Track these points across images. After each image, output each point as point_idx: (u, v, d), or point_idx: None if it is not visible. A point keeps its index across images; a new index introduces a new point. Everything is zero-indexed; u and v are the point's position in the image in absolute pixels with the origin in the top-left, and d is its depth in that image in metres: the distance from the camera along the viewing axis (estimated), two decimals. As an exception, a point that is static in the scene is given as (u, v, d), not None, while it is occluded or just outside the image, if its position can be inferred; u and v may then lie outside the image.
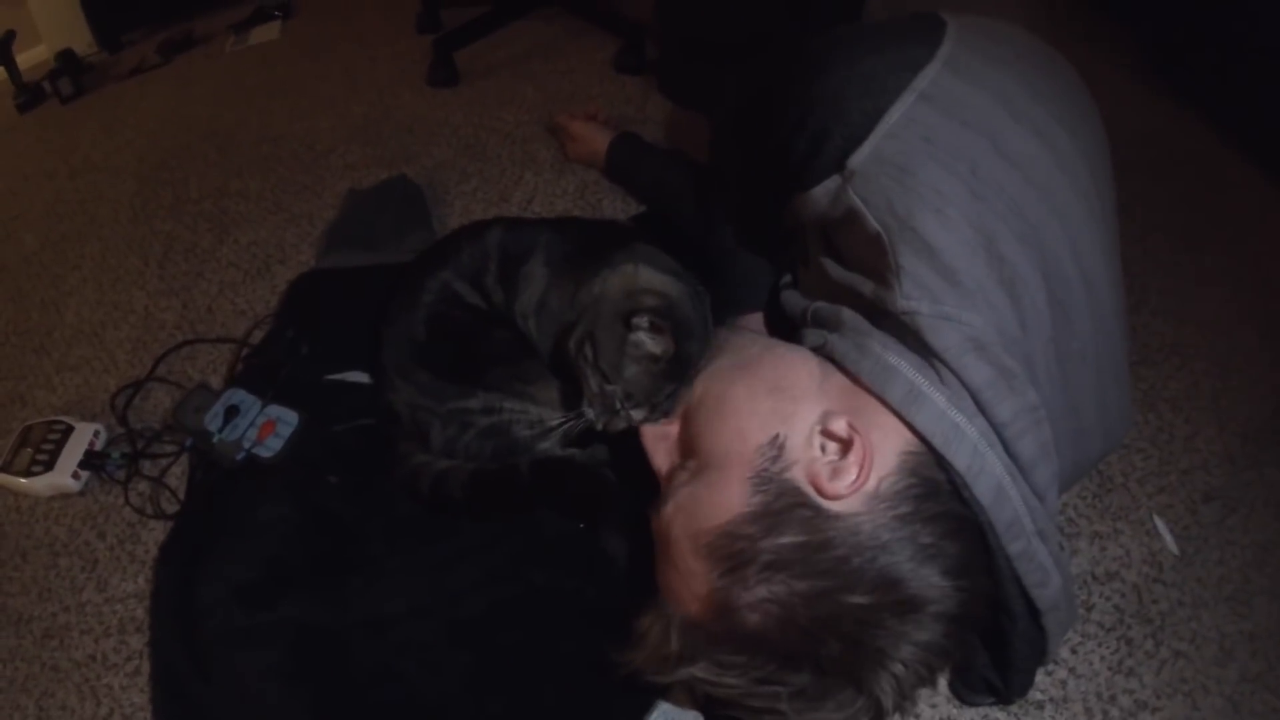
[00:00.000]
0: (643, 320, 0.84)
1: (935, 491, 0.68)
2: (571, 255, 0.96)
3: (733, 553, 0.68)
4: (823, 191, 0.79)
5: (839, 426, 0.69)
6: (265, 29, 2.17)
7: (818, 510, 0.67)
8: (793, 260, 0.95)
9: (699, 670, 0.69)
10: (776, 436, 0.71)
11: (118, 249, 1.55)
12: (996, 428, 0.69)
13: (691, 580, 0.70)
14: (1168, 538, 1.00)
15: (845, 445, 0.69)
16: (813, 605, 0.65)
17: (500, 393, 0.97)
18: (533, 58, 1.91)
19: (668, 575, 0.74)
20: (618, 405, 0.85)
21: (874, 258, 0.73)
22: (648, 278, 0.90)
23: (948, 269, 0.69)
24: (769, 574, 0.66)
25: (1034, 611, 0.73)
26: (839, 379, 0.75)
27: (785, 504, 0.68)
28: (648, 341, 0.84)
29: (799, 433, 0.71)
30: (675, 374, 0.85)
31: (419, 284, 1.02)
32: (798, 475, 0.69)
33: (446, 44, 1.84)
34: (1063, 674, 0.90)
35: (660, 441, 0.85)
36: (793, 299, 0.89)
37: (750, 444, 0.72)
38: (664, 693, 0.85)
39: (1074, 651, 0.91)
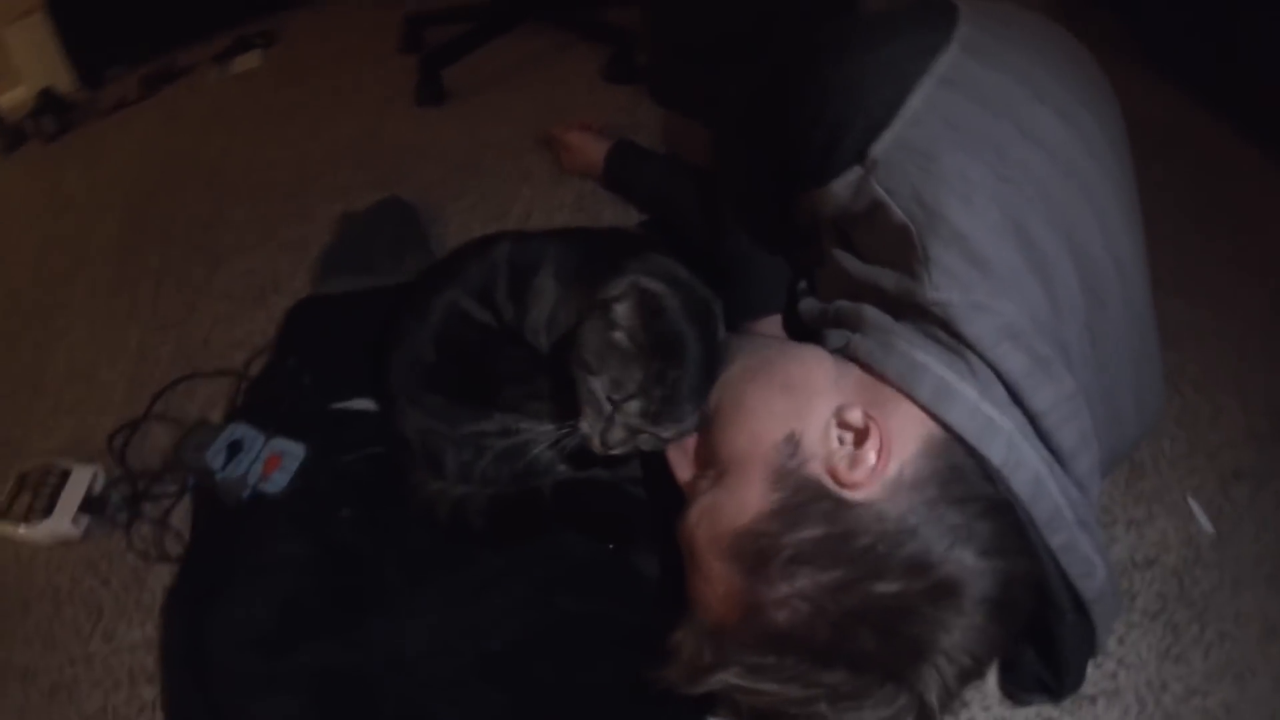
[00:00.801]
0: (616, 299, 0.78)
1: (961, 475, 0.65)
2: (581, 268, 0.91)
3: (755, 551, 0.66)
4: (843, 184, 0.75)
5: (854, 416, 0.67)
6: (247, 58, 2.12)
7: (839, 501, 0.65)
8: (808, 263, 0.91)
9: (732, 676, 0.66)
10: (792, 433, 0.69)
11: (108, 286, 1.49)
12: (1034, 418, 0.67)
13: (717, 584, 0.69)
14: (1202, 519, 0.97)
15: (861, 434, 0.67)
16: (841, 597, 0.63)
17: (516, 413, 0.91)
18: (521, 72, 1.86)
19: (696, 583, 0.72)
20: (606, 401, 0.79)
21: (900, 249, 0.70)
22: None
23: (978, 257, 0.67)
24: (793, 568, 0.64)
25: (1080, 604, 0.70)
26: (856, 373, 0.73)
27: (805, 498, 0.66)
28: (620, 312, 0.78)
29: (814, 427, 0.69)
30: (663, 352, 0.78)
31: (425, 304, 0.96)
32: (816, 469, 0.67)
33: (433, 62, 1.79)
34: (1112, 665, 0.86)
35: (680, 454, 0.82)
36: (810, 305, 0.86)
37: (766, 443, 0.70)
38: (711, 710, 0.80)
39: (1121, 642, 0.87)
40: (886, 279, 0.73)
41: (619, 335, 0.79)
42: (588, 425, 0.81)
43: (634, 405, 0.79)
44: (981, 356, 0.66)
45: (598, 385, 0.79)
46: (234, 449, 1.06)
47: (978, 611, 0.63)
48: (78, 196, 1.77)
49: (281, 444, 1.06)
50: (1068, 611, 0.70)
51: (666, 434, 0.80)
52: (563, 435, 0.86)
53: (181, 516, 1.08)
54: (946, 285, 0.67)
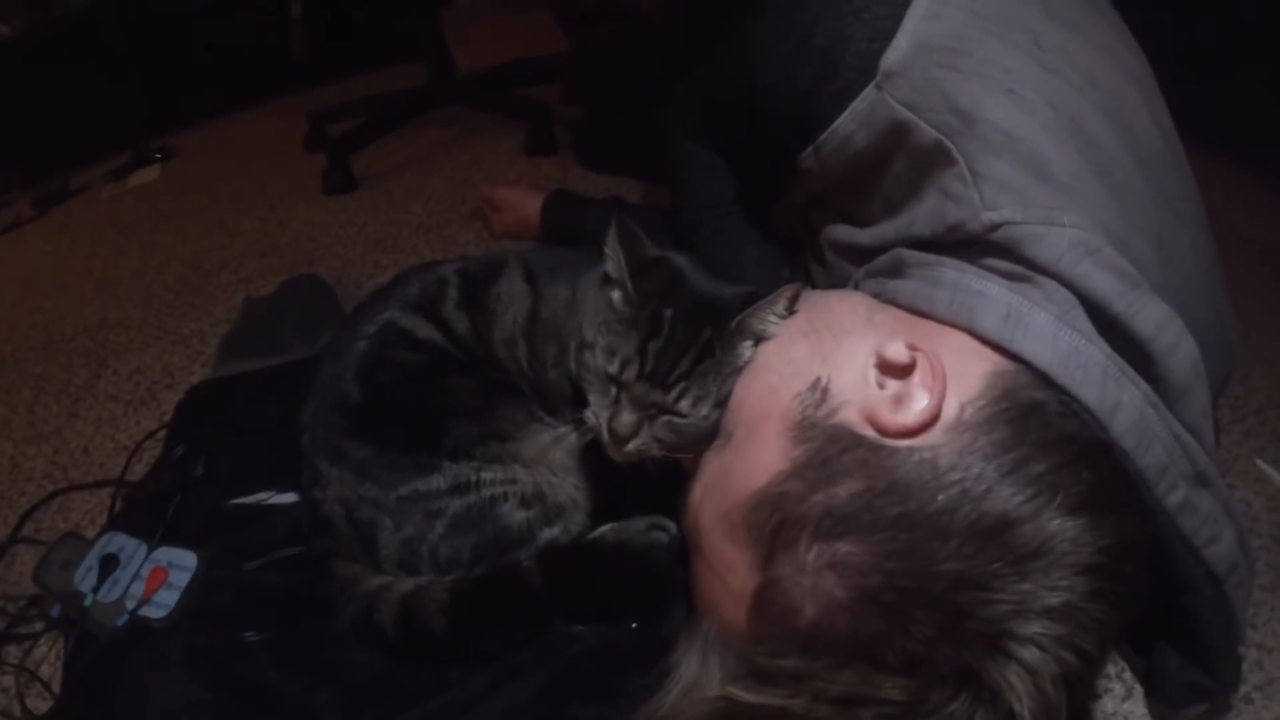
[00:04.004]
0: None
1: (1042, 413, 0.48)
2: (557, 266, 0.72)
3: (774, 519, 0.49)
4: (850, 119, 0.59)
5: (895, 351, 0.50)
6: (144, 172, 1.90)
7: (880, 449, 0.48)
8: (803, 268, 0.75)
9: (740, 691, 0.47)
10: (817, 380, 0.52)
11: (-20, 403, 1.23)
12: (1138, 346, 0.50)
13: (728, 574, 0.52)
14: (1276, 477, 0.88)
15: (905, 369, 0.50)
16: (889, 571, 0.45)
17: (473, 460, 0.67)
18: (435, 156, 1.71)
19: (703, 580, 0.56)
20: (611, 367, 0.60)
21: (933, 177, 0.55)
22: None
23: (1035, 160, 0.52)
24: (825, 538, 0.46)
25: (1214, 578, 0.52)
26: (895, 312, 0.56)
27: (836, 449, 0.49)
28: (610, 258, 0.62)
29: (847, 370, 0.52)
30: (651, 288, 0.61)
31: (354, 332, 0.73)
32: (849, 416, 0.50)
33: (340, 148, 1.62)
34: (1254, 654, 0.72)
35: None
36: None
37: (785, 395, 0.53)
38: None
39: (1255, 627, 0.74)
40: (919, 222, 0.57)
41: (615, 295, 0.61)
42: (593, 413, 0.60)
43: (631, 371, 0.59)
44: (1060, 280, 0.50)
45: (599, 358, 0.59)
46: (108, 565, 0.79)
47: (1077, 584, 0.44)
48: (-43, 317, 1.51)
49: (167, 554, 0.79)
50: (1203, 587, 0.52)
51: (684, 408, 0.59)
52: (568, 429, 0.64)
53: (54, 660, 0.81)
54: (1002, 201, 0.51)
